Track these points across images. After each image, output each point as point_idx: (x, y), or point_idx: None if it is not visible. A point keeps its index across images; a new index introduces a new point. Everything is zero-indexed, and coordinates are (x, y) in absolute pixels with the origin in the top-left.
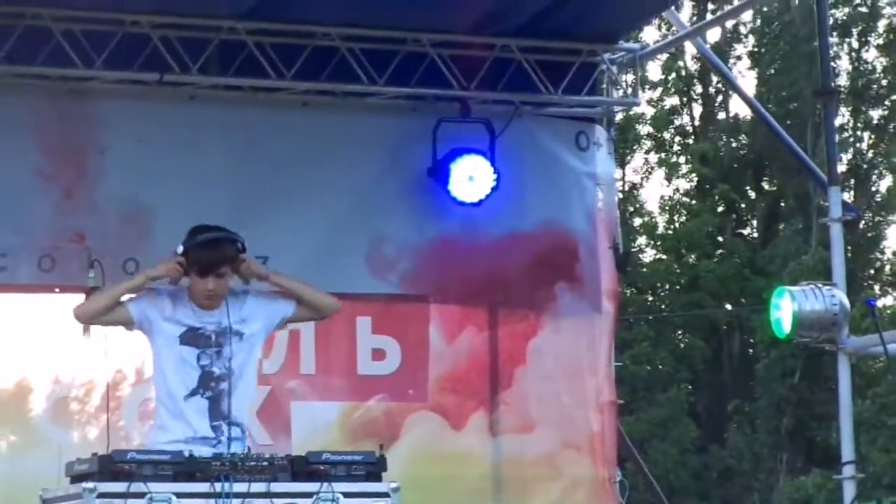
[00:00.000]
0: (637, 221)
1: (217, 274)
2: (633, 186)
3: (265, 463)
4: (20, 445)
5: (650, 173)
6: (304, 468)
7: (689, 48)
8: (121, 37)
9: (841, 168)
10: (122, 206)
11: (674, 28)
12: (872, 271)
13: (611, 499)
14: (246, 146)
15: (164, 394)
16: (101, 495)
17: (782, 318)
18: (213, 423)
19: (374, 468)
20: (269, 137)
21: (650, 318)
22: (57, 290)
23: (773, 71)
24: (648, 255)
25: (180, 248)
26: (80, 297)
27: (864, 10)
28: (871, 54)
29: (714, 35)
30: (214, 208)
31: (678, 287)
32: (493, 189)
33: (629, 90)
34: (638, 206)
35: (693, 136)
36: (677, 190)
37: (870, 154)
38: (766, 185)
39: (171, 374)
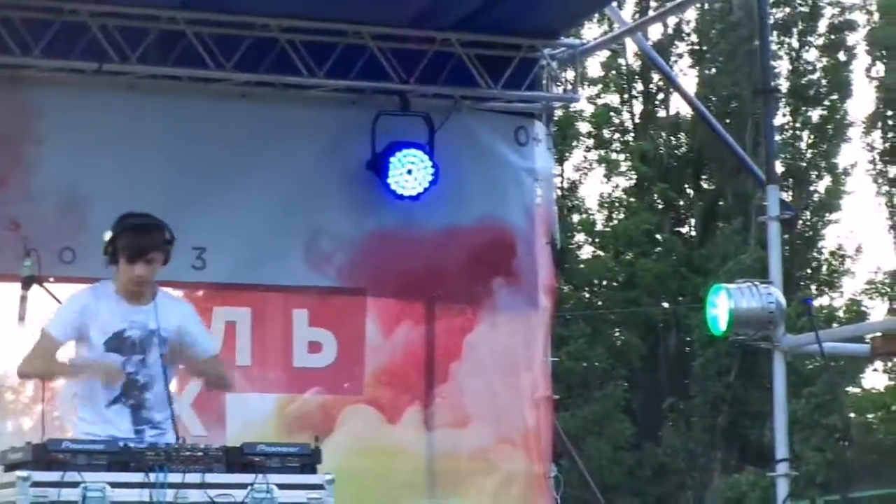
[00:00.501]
0: (575, 218)
1: (146, 260)
2: (572, 183)
3: (200, 453)
4: None
5: (589, 170)
6: (239, 459)
7: (631, 45)
8: (59, 25)
9: (780, 168)
10: (59, 196)
11: (615, 24)
12: (809, 271)
13: (545, 494)
14: (184, 137)
15: (86, 396)
16: (35, 484)
17: (719, 315)
18: (137, 427)
19: (308, 460)
20: (208, 128)
21: (587, 314)
22: None
23: (714, 70)
24: (586, 252)
25: (108, 234)
26: (14, 287)
27: (804, 9)
28: (811, 54)
29: (655, 32)
30: (152, 199)
31: (615, 284)
32: (432, 183)
33: (569, 86)
34: (576, 202)
35: (633, 134)
36: (616, 187)
37: (809, 154)
38: (704, 184)
39: (94, 382)
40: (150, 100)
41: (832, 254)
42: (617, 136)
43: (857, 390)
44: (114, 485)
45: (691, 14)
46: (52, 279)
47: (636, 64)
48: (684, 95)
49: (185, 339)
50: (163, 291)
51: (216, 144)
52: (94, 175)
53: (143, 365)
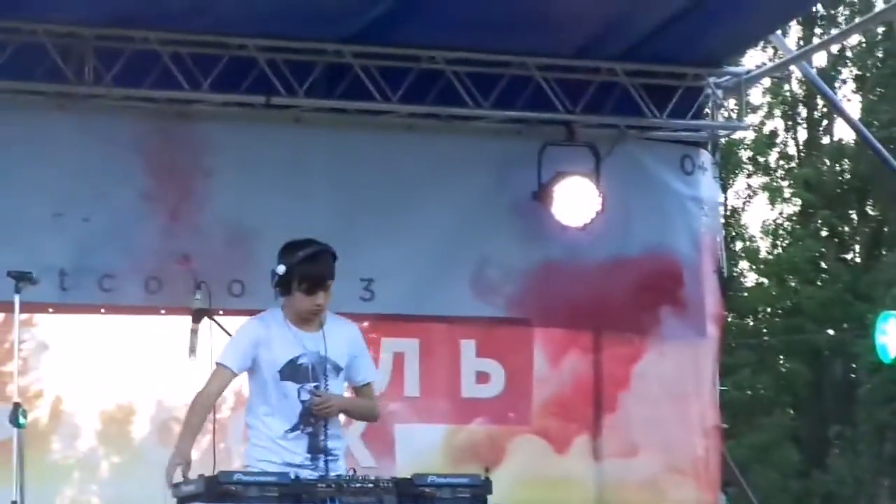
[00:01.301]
0: (738, 245)
1: (325, 288)
2: (734, 211)
3: (371, 485)
4: (125, 467)
5: (752, 198)
6: (410, 490)
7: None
8: (227, 60)
9: None
10: (227, 229)
11: (780, 52)
12: None
13: None
14: (351, 169)
15: (261, 427)
16: None
17: (888, 342)
18: (313, 455)
19: (479, 491)
20: (375, 160)
21: (752, 343)
22: (163, 311)
23: (877, 95)
24: (750, 280)
25: (282, 268)
26: (185, 319)
27: None
28: None
29: (820, 59)
30: (319, 231)
31: (780, 312)
32: (598, 213)
33: (734, 114)
34: (739, 230)
35: (797, 161)
36: (781, 214)
37: None
38: (869, 211)
39: (272, 410)
40: (316, 133)
41: None
42: (781, 162)
43: None
44: None
45: (853, 40)
46: (221, 312)
47: (800, 91)
48: (849, 121)
49: (353, 364)
50: (331, 315)
51: (383, 176)
52: (262, 208)
53: (317, 392)
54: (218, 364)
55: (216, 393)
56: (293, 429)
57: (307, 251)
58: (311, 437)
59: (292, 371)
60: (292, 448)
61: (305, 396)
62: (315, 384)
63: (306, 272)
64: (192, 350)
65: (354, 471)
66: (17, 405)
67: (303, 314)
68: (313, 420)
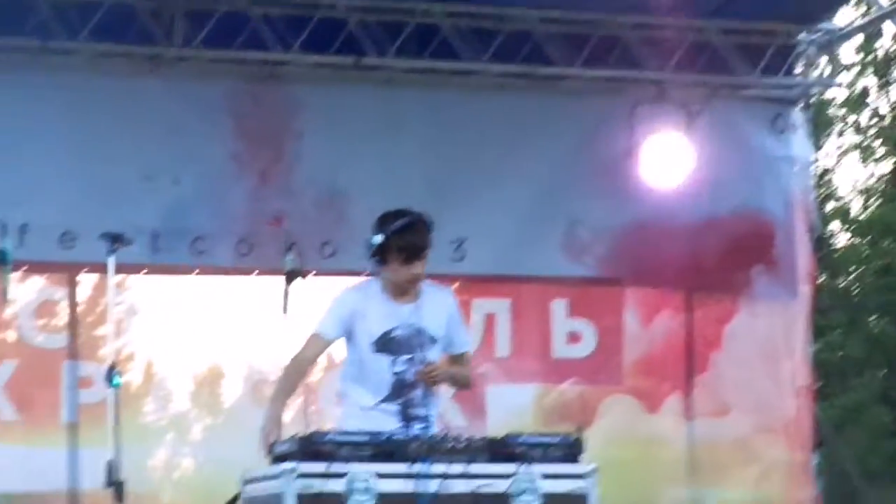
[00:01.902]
0: (830, 206)
1: (421, 258)
2: (826, 171)
3: (463, 444)
4: (217, 429)
5: (843, 157)
6: (503, 449)
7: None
8: (317, 20)
9: None
10: (319, 190)
11: (873, 8)
12: None
13: (806, 483)
14: (441, 130)
15: (353, 395)
16: (301, 475)
17: None
18: (405, 424)
19: (571, 450)
20: (465, 121)
21: (843, 304)
22: (255, 272)
23: None
24: (841, 241)
25: (379, 238)
26: (277, 280)
27: None
28: None
29: None
30: (410, 192)
31: (872, 272)
32: (690, 173)
33: (826, 71)
34: (830, 190)
35: (889, 120)
36: (872, 175)
37: None
38: None
39: (364, 380)
40: (406, 93)
41: None
42: (873, 121)
43: None
44: (379, 475)
45: None
46: (313, 273)
47: (893, 48)
48: None
49: (448, 334)
50: (428, 284)
51: (473, 137)
52: (353, 169)
53: (411, 364)
54: (314, 332)
55: (310, 359)
56: (385, 399)
57: (404, 221)
58: (403, 408)
59: (387, 343)
60: (385, 418)
61: (399, 368)
62: (409, 356)
63: (403, 242)
64: (284, 311)
65: (447, 430)
66: (112, 365)
67: (400, 284)
68: (406, 391)
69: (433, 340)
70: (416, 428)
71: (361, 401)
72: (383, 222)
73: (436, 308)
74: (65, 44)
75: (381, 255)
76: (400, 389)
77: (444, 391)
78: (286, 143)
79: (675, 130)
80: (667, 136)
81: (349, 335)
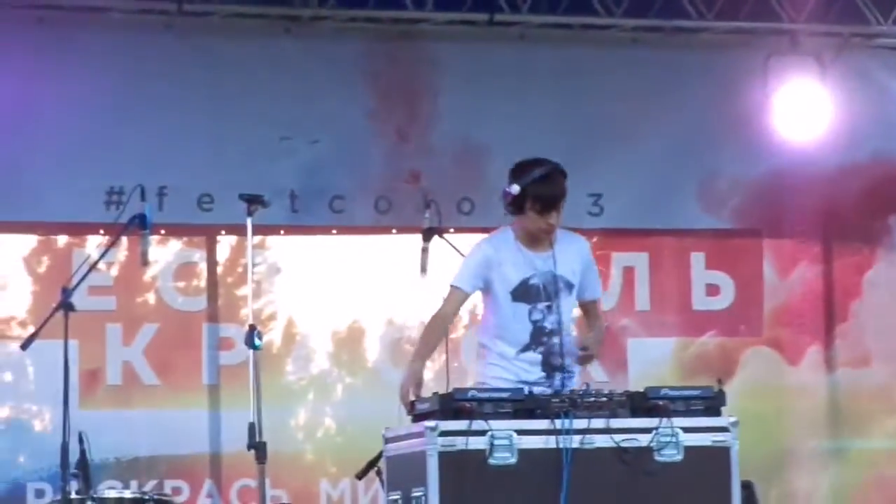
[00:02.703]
0: None
1: (557, 208)
2: None
3: (604, 399)
4: (357, 388)
5: None
6: (643, 403)
7: None
8: None
9: None
10: (455, 147)
11: None
12: None
13: None
14: (577, 84)
15: (494, 347)
16: (443, 433)
17: None
18: (547, 373)
19: (712, 402)
20: (600, 75)
21: None
22: (393, 230)
23: None
24: None
25: (515, 188)
26: (415, 238)
27: None
28: None
29: None
30: (546, 147)
31: None
32: (824, 122)
33: None
34: None
35: None
36: None
37: None
38: None
39: (504, 331)
40: (540, 49)
41: None
42: None
43: None
44: (520, 432)
45: None
46: (451, 230)
47: None
48: None
49: (583, 281)
50: (561, 232)
51: (608, 91)
52: (490, 126)
53: (549, 312)
54: (451, 286)
55: (451, 314)
56: (525, 349)
57: (540, 171)
58: (545, 356)
59: (524, 292)
60: (526, 367)
61: (537, 316)
62: (547, 303)
63: (540, 192)
64: (423, 269)
65: (588, 385)
66: (252, 327)
67: (535, 234)
68: (545, 339)
69: (569, 286)
70: (558, 378)
71: (502, 351)
72: (520, 172)
73: (570, 255)
74: (200, 6)
75: (516, 205)
76: (539, 337)
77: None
78: (422, 101)
79: (808, 80)
80: (801, 86)
81: (486, 286)
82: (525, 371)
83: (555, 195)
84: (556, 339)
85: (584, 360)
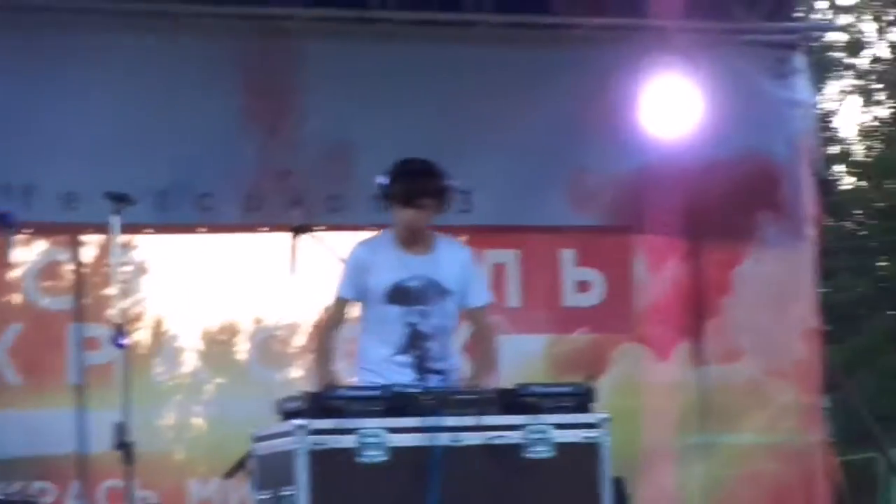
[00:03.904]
0: (833, 149)
1: (416, 206)
2: (828, 114)
3: (474, 396)
4: (228, 387)
5: (844, 101)
6: (513, 400)
7: None
8: None
9: None
10: (325, 144)
11: None
12: None
13: (818, 426)
14: (446, 81)
15: (370, 350)
16: (313, 432)
17: None
18: (422, 377)
19: (583, 399)
20: (469, 72)
21: (850, 245)
22: (263, 229)
23: None
24: (846, 184)
25: (382, 179)
26: (285, 236)
27: None
28: None
29: None
30: (416, 144)
31: (877, 214)
32: (694, 119)
33: (825, 15)
34: (833, 133)
35: (890, 63)
36: (875, 118)
37: None
38: None
39: (378, 333)
40: (410, 46)
41: None
42: (875, 65)
43: None
44: (390, 430)
45: None
46: (321, 227)
47: None
48: None
49: (464, 288)
50: (442, 237)
51: (477, 88)
52: (360, 123)
53: (424, 315)
54: (335, 295)
55: (333, 322)
56: (400, 352)
57: (409, 166)
58: (419, 360)
59: (399, 294)
60: (399, 370)
61: (413, 319)
62: (423, 307)
63: (400, 187)
64: (293, 267)
65: (460, 383)
66: (119, 326)
67: (400, 231)
68: (421, 343)
69: (447, 293)
70: (432, 381)
71: (376, 353)
72: (393, 166)
73: (450, 260)
74: (68, 2)
75: (385, 196)
76: (414, 341)
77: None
78: (292, 98)
79: (677, 77)
80: (670, 82)
81: (363, 289)
82: (398, 374)
83: (413, 190)
84: (430, 344)
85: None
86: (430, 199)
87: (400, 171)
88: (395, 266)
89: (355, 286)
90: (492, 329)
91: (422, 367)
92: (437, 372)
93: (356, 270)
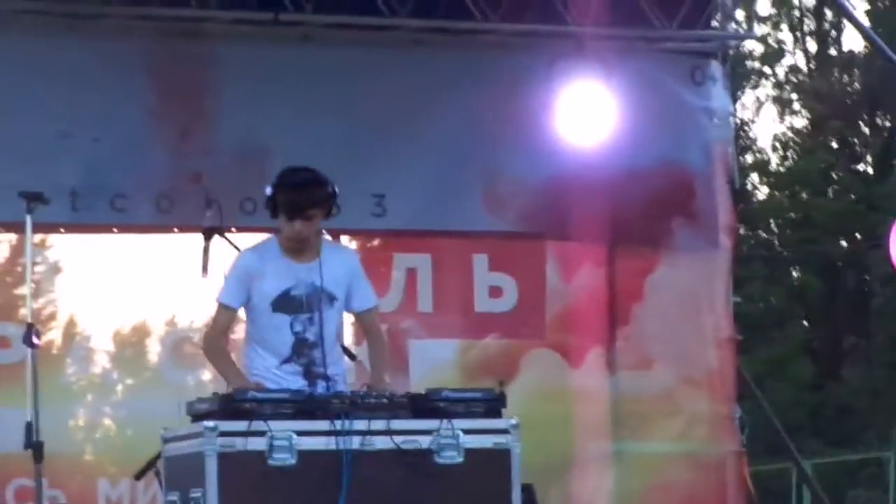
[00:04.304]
0: (749, 158)
1: (305, 217)
2: (744, 123)
3: (385, 400)
4: (139, 388)
5: (760, 110)
6: (424, 405)
7: None
8: None
9: None
10: (238, 147)
11: None
12: None
13: (730, 435)
14: (361, 85)
15: (256, 359)
16: (223, 434)
17: None
18: (310, 383)
19: (493, 405)
20: (383, 76)
21: (764, 255)
22: (175, 230)
23: (885, 4)
24: (761, 193)
25: (268, 190)
26: (198, 237)
27: None
28: None
29: None
30: (329, 148)
31: (792, 224)
32: (609, 126)
33: (743, 25)
34: (749, 143)
35: (806, 73)
36: (791, 127)
37: None
38: (879, 121)
39: (265, 342)
40: (325, 49)
41: None
42: (790, 76)
43: None
44: (300, 433)
45: None
46: (234, 230)
47: (809, 1)
48: (860, 29)
49: (350, 292)
50: (328, 242)
51: (391, 92)
52: (273, 126)
53: (311, 323)
54: (217, 301)
55: (222, 332)
56: (287, 360)
57: (294, 177)
58: (306, 368)
59: (285, 302)
60: (288, 378)
61: (299, 328)
62: (308, 315)
63: (287, 198)
64: (205, 268)
65: (368, 387)
66: (30, 325)
67: (287, 241)
68: (307, 350)
69: (332, 299)
70: (321, 386)
71: (263, 363)
72: (279, 176)
73: (335, 266)
74: None
75: (272, 207)
76: (301, 349)
77: (364, 346)
78: (205, 101)
79: (593, 84)
80: (585, 89)
81: (249, 297)
82: (286, 383)
83: (301, 202)
84: (317, 352)
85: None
86: (316, 209)
87: (285, 181)
88: (282, 273)
89: (242, 293)
90: (381, 331)
91: (310, 374)
92: (325, 378)
93: (241, 278)
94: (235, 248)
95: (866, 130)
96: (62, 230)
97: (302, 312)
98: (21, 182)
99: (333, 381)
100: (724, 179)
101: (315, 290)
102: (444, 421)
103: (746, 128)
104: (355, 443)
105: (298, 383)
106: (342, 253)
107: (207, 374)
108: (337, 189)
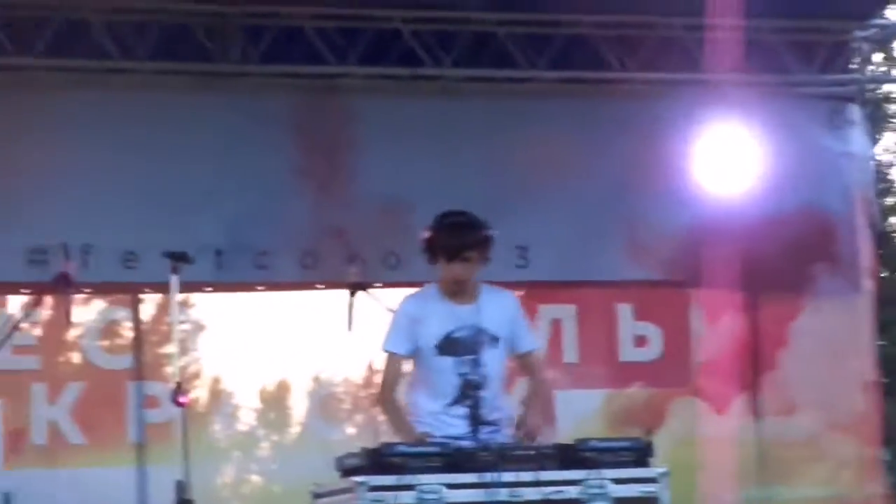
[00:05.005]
0: (889, 201)
1: (463, 258)
2: (883, 166)
3: (533, 452)
4: (285, 444)
5: None
6: (572, 455)
7: None
8: (372, 32)
9: None
10: (380, 201)
11: None
12: None
13: (877, 479)
14: (501, 137)
15: (422, 403)
16: (372, 488)
17: None
18: (473, 427)
19: (641, 454)
20: (522, 128)
21: None
22: (319, 286)
23: None
24: None
25: (425, 234)
26: (342, 293)
27: None
28: None
29: None
30: (472, 200)
31: None
32: (749, 172)
33: (881, 67)
34: (889, 185)
35: None
36: None
37: None
38: None
39: (431, 385)
40: (464, 102)
41: None
42: None
43: None
44: (449, 486)
45: None
46: (378, 285)
47: None
48: None
49: (512, 334)
50: (486, 286)
51: (532, 143)
52: (415, 179)
53: (475, 365)
54: (386, 351)
55: (392, 382)
56: (452, 403)
57: (450, 220)
58: (472, 410)
59: (449, 345)
60: (452, 422)
61: (464, 370)
62: (473, 356)
63: (444, 241)
64: (350, 324)
65: (526, 433)
66: (178, 385)
67: (447, 284)
68: (472, 393)
69: (495, 339)
70: (484, 432)
71: (429, 406)
72: (435, 220)
73: (496, 308)
74: (121, 63)
75: (429, 252)
76: (466, 391)
77: (513, 395)
78: (346, 155)
79: (734, 130)
80: (725, 135)
81: (415, 342)
82: (451, 426)
83: (458, 245)
84: (482, 393)
85: (526, 437)
86: (474, 251)
87: (442, 225)
88: (444, 316)
89: (408, 340)
90: (544, 375)
91: (475, 418)
92: (491, 423)
93: (408, 324)
94: (381, 303)
95: None
96: (207, 289)
97: (466, 354)
98: (166, 242)
99: (496, 427)
100: (865, 223)
101: (477, 331)
102: (592, 471)
103: (886, 170)
104: (504, 494)
105: (463, 427)
106: (502, 295)
107: (352, 429)
108: (495, 234)
